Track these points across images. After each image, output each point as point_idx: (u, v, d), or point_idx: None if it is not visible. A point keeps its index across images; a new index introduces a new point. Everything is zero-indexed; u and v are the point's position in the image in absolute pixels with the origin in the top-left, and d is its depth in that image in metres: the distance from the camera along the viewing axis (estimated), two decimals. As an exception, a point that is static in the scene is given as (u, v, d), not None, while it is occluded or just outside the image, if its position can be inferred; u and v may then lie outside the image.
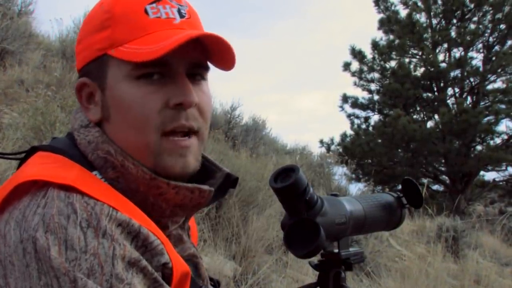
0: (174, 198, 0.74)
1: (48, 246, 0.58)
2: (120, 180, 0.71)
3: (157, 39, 0.69)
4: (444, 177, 17.48)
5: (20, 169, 0.72)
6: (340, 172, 9.56)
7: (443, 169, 17.47)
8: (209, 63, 0.78)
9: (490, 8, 16.76)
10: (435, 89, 17.50)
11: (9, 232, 0.62)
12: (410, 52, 17.63)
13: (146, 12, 0.72)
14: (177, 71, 0.72)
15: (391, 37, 17.65)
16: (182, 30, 0.73)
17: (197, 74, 0.76)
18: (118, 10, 0.72)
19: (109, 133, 0.74)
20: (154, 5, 0.72)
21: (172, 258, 0.67)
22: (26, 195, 0.64)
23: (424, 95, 17.63)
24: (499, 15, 16.62)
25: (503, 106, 16.17)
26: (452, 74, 17.10)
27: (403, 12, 17.55)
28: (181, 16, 0.74)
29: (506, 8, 16.35)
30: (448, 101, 17.27)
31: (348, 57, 18.34)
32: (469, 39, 16.67)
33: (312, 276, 3.86)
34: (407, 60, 17.55)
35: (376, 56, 18.00)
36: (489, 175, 17.81)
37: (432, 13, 17.45)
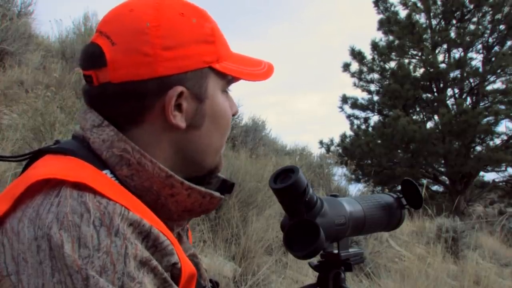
0: (185, 201, 0.75)
1: (62, 243, 0.59)
2: (134, 178, 0.72)
3: (246, 61, 0.83)
4: (444, 177, 17.49)
5: (31, 170, 0.72)
6: (339, 172, 9.51)
7: (442, 169, 17.47)
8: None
9: (490, 9, 16.77)
10: (435, 89, 17.51)
11: (22, 229, 0.62)
12: (410, 53, 17.65)
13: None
14: None
15: (391, 37, 17.67)
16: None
17: None
18: (214, 27, 0.78)
19: (191, 139, 0.77)
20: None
21: (181, 259, 0.69)
22: (38, 193, 0.65)
23: (424, 95, 17.63)
24: (498, 16, 16.64)
25: (502, 107, 16.18)
26: (451, 74, 17.12)
27: (403, 13, 17.60)
28: None
29: (506, 9, 16.36)
30: (448, 101, 17.29)
31: (346, 58, 18.41)
32: (468, 39, 16.68)
33: (312, 277, 3.86)
34: (406, 60, 17.57)
35: (376, 56, 18.02)
36: (489, 176, 17.87)
37: (431, 14, 17.47)
